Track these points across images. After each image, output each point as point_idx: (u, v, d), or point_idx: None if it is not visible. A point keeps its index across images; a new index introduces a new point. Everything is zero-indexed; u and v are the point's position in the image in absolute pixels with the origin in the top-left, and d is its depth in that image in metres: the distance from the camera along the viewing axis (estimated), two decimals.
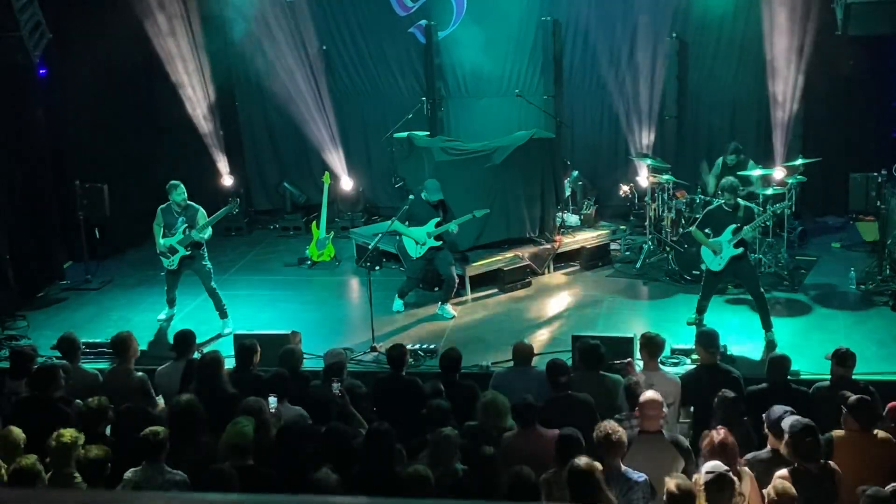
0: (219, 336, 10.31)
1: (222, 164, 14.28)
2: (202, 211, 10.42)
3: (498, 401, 6.70)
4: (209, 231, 10.37)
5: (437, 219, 10.49)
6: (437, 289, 11.15)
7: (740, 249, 9.61)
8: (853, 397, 6.52)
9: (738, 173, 11.30)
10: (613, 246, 12.75)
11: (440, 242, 10.56)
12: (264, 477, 6.10)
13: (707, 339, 7.76)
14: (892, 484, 5.67)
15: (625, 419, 6.72)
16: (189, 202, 10.43)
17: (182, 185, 10.38)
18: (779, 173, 12.14)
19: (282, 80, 14.36)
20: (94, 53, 12.47)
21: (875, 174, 11.76)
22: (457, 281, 10.80)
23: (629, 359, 8.14)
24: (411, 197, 10.71)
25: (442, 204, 10.59)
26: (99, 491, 5.67)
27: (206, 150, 14.09)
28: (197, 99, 13.89)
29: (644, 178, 12.68)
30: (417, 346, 9.59)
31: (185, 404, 6.60)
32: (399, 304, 10.91)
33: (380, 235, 10.80)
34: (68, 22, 11.62)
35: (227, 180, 14.36)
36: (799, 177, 11.75)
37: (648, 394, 6.51)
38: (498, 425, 6.58)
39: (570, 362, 8.14)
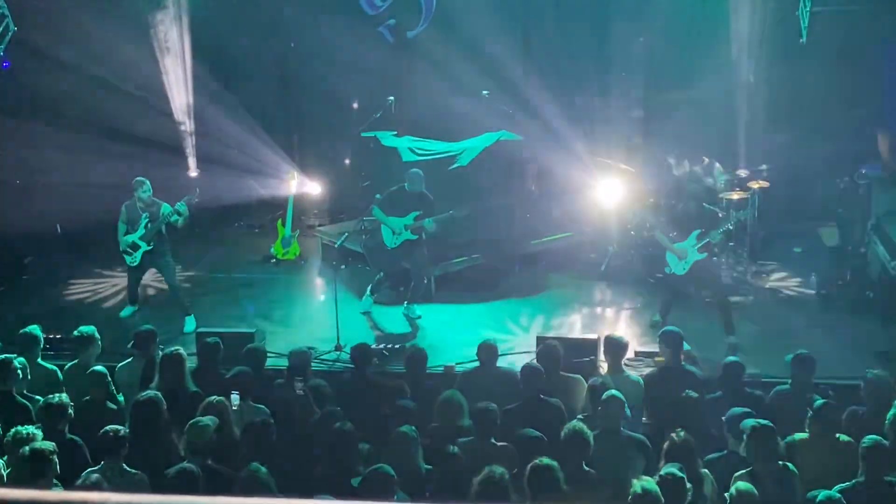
0: (181, 333, 10.22)
1: (191, 157, 14.17)
2: (166, 205, 10.32)
3: (454, 399, 6.70)
4: (183, 216, 10.22)
5: (417, 212, 10.35)
6: (402, 288, 11.14)
7: (705, 254, 9.69)
8: (819, 401, 6.60)
9: (706, 178, 11.40)
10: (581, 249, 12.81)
11: (416, 237, 10.41)
12: (226, 477, 6.06)
13: (670, 339, 7.82)
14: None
15: (587, 419, 6.76)
16: (154, 199, 10.33)
17: (148, 182, 10.29)
18: (741, 174, 12.25)
19: (250, 74, 14.28)
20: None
21: (838, 180, 11.93)
22: (425, 283, 10.75)
23: (592, 357, 8.19)
24: (404, 186, 10.47)
25: (424, 197, 10.41)
26: (54, 491, 5.60)
27: (173, 142, 14.02)
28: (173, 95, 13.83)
29: (610, 182, 12.71)
30: (382, 346, 9.58)
31: (147, 402, 6.55)
32: (368, 301, 10.78)
33: (346, 234, 10.77)
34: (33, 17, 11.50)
35: (194, 172, 14.23)
36: (762, 182, 11.88)
37: (611, 393, 6.56)
38: (455, 424, 6.57)
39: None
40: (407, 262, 10.62)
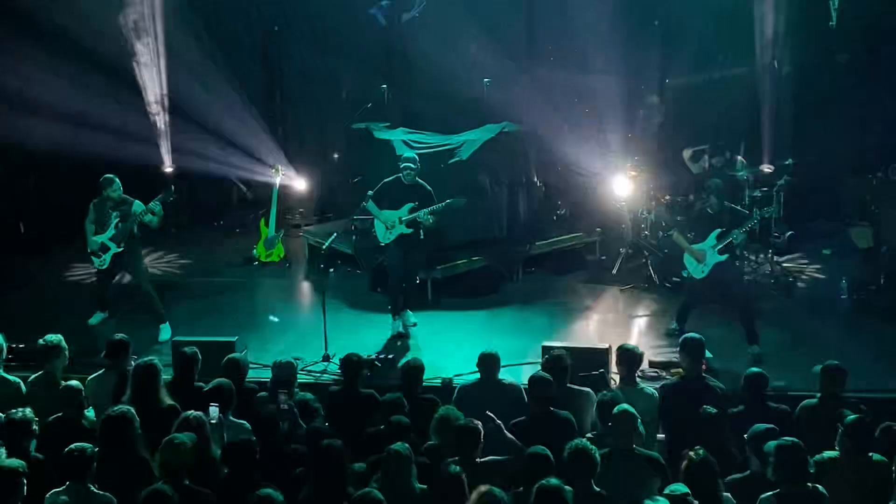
0: (156, 343, 10.21)
1: (165, 152, 14.18)
2: (138, 203, 10.30)
3: (451, 417, 6.68)
4: (157, 215, 10.22)
5: (412, 204, 10.25)
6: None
7: (726, 256, 9.68)
8: (851, 416, 6.57)
9: (728, 172, 11.39)
10: (589, 250, 12.82)
11: (411, 230, 10.29)
12: (204, 499, 6.05)
13: (691, 348, 7.80)
14: None
15: (597, 437, 6.75)
16: (125, 196, 10.32)
17: (117, 180, 10.27)
18: (766, 170, 12.25)
19: (229, 62, 14.28)
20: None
21: (870, 176, 11.91)
22: (417, 284, 10.73)
23: (602, 370, 8.17)
24: (400, 178, 10.34)
25: (419, 188, 10.28)
26: None
27: (147, 136, 14.03)
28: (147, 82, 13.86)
29: (623, 178, 12.72)
30: (375, 357, 9.57)
31: (117, 417, 6.52)
32: (397, 324, 10.46)
33: (335, 234, 10.76)
34: None
35: (169, 168, 14.24)
36: (788, 178, 11.87)
37: (622, 408, 6.54)
38: (454, 445, 6.55)
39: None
40: (401, 259, 10.52)
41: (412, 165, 10.23)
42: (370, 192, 10.43)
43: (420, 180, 10.26)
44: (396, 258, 10.45)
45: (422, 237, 10.42)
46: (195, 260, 13.30)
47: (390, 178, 10.37)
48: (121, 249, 10.29)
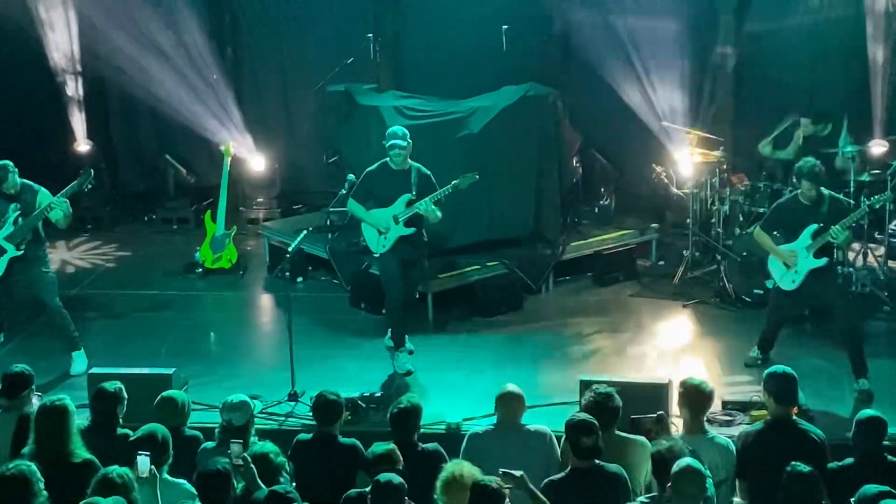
0: (66, 376, 10.20)
1: (78, 126, 14.22)
2: (45, 192, 10.28)
3: (464, 475, 6.65)
4: (63, 210, 10.21)
5: (409, 195, 10.13)
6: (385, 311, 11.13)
7: (824, 260, 9.66)
8: None
9: (823, 151, 11.35)
10: (641, 253, 12.83)
11: (412, 230, 10.19)
12: None
13: (779, 384, 7.77)
14: None
15: (653, 501, 6.73)
16: (27, 183, 10.28)
17: (12, 166, 10.18)
18: (877, 150, 12.22)
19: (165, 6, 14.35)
20: None
21: None
22: (416, 299, 10.72)
23: (660, 412, 8.15)
24: (374, 167, 10.30)
25: (415, 172, 10.15)
26: None
27: (55, 106, 14.07)
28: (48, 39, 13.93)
29: (685, 157, 12.73)
30: (358, 395, 9.56)
31: (13, 478, 6.51)
32: (404, 358, 10.42)
33: (304, 232, 10.75)
34: None
35: (83, 146, 14.27)
36: None
37: (686, 463, 6.52)
38: None
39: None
40: (401, 270, 10.37)
41: (401, 143, 10.03)
42: (350, 177, 10.40)
43: (414, 162, 10.17)
44: (395, 270, 10.30)
45: (426, 238, 10.40)
46: (119, 266, 13.29)
47: (374, 167, 10.26)
48: (20, 253, 10.23)
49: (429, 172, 10.18)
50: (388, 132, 10.22)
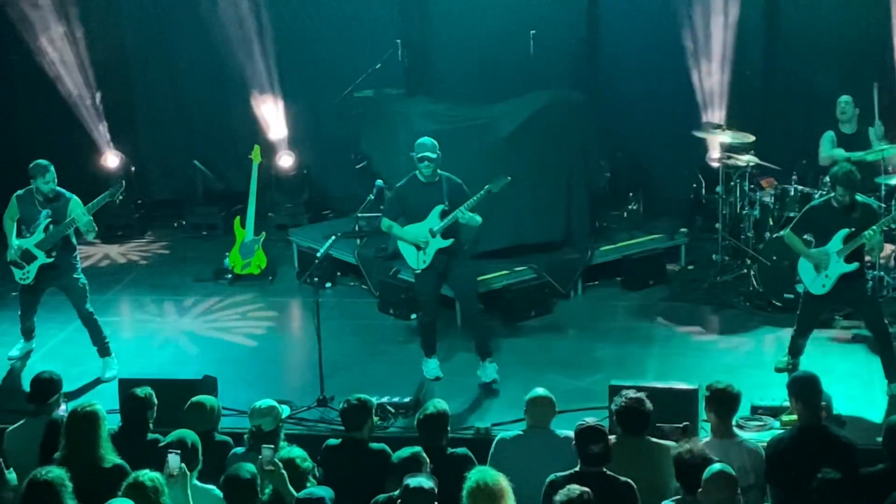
0: (97, 382, 10.27)
1: (102, 137, 14.28)
2: (77, 201, 10.35)
3: (489, 483, 6.64)
4: (87, 220, 10.29)
5: (442, 206, 9.99)
6: (414, 315, 11.13)
7: (854, 265, 9.61)
8: None
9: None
10: (670, 257, 12.81)
11: (450, 241, 10.03)
12: None
13: (807, 389, 7.73)
14: None
15: None
16: (60, 190, 10.35)
17: (52, 168, 10.28)
18: None
19: (198, 14, 14.45)
20: None
21: None
22: (481, 310, 10.49)
23: (686, 423, 8.13)
24: (400, 182, 10.22)
25: (446, 182, 10.00)
26: None
27: (76, 117, 14.18)
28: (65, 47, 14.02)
29: (715, 159, 12.71)
30: (386, 399, 9.58)
31: (45, 484, 6.55)
32: (433, 365, 10.40)
33: (333, 237, 10.77)
34: None
35: (112, 160, 14.34)
36: None
37: (716, 468, 6.51)
38: None
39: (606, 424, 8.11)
40: (450, 283, 10.31)
41: (431, 155, 9.87)
42: (385, 188, 10.33)
43: (443, 172, 10.03)
44: (432, 289, 10.19)
45: (465, 247, 10.28)
46: (149, 272, 13.36)
47: (402, 182, 10.16)
48: (50, 260, 10.31)
49: (459, 181, 10.04)
50: (416, 144, 10.04)
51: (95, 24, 14.53)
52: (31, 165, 10.33)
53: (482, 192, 9.94)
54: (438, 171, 9.98)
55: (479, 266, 11.58)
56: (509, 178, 10.15)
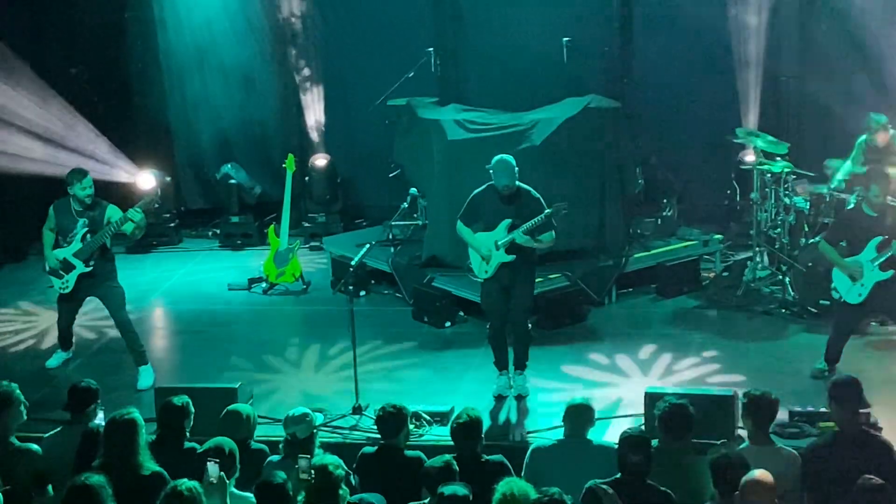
0: (134, 390, 10.29)
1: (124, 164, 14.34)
2: (114, 208, 10.38)
3: (516, 494, 6.62)
4: (135, 223, 10.30)
5: (510, 220, 9.85)
6: (448, 323, 11.15)
7: (890, 272, 9.56)
8: None
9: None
10: (705, 264, 12.77)
11: (513, 257, 9.83)
12: None
13: (846, 394, 7.70)
14: None
15: None
16: (98, 199, 10.38)
17: (89, 176, 10.35)
18: None
19: (231, 23, 14.54)
20: None
21: None
22: (529, 329, 10.26)
23: (723, 440, 8.09)
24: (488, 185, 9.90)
25: (519, 197, 9.83)
26: None
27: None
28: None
29: (750, 166, 12.67)
30: (421, 407, 9.59)
31: (84, 488, 6.58)
32: (502, 383, 10.17)
33: (368, 245, 10.79)
34: None
35: (146, 181, 14.17)
36: None
37: (756, 474, 6.49)
38: None
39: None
40: (503, 296, 10.07)
41: (504, 166, 9.73)
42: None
43: (524, 185, 9.86)
44: (495, 298, 10.08)
45: (533, 263, 10.09)
46: (184, 282, 13.44)
47: (480, 189, 9.97)
48: (89, 269, 10.36)
49: (538, 196, 9.85)
50: (495, 161, 9.86)
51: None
52: (69, 173, 10.39)
53: (541, 215, 9.74)
54: (517, 183, 9.82)
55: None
56: (566, 205, 9.87)
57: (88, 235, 10.29)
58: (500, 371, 10.20)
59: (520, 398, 10.05)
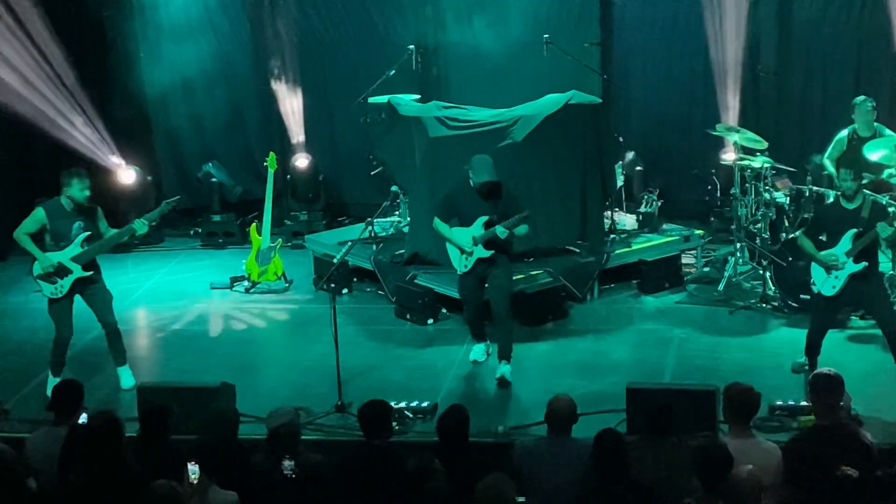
0: (116, 391, 10.27)
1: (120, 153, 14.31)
2: (101, 212, 10.24)
3: (500, 488, 6.64)
4: (146, 225, 10.28)
5: (486, 217, 10.07)
6: (431, 321, 11.16)
7: (863, 264, 9.59)
8: None
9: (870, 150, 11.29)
10: (686, 259, 12.81)
11: (491, 252, 10.11)
12: None
13: (826, 386, 7.70)
14: None
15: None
16: (91, 203, 10.12)
17: (86, 176, 10.09)
18: None
19: (208, 21, 14.52)
20: None
21: None
22: (509, 319, 10.45)
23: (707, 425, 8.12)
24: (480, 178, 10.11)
25: (494, 193, 10.11)
26: None
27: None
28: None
29: (730, 161, 12.70)
30: (405, 404, 9.59)
31: (67, 489, 6.58)
32: (479, 349, 10.69)
33: (350, 243, 10.79)
34: None
35: (128, 176, 14.24)
36: None
37: (743, 470, 6.50)
38: None
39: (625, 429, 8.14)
40: (488, 292, 10.34)
41: (482, 164, 10.11)
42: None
43: (494, 178, 10.13)
44: (472, 290, 10.39)
45: (503, 255, 10.28)
46: (166, 280, 13.42)
47: (457, 184, 10.30)
48: (88, 274, 10.08)
49: (515, 195, 10.23)
50: (474, 159, 10.21)
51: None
52: (63, 172, 10.09)
53: (520, 215, 9.98)
54: (489, 178, 10.08)
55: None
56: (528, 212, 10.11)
57: (87, 241, 10.02)
58: (476, 340, 10.55)
59: (503, 383, 10.16)
